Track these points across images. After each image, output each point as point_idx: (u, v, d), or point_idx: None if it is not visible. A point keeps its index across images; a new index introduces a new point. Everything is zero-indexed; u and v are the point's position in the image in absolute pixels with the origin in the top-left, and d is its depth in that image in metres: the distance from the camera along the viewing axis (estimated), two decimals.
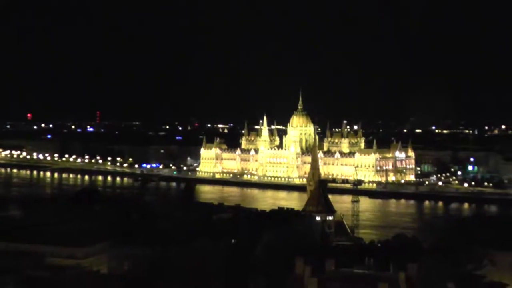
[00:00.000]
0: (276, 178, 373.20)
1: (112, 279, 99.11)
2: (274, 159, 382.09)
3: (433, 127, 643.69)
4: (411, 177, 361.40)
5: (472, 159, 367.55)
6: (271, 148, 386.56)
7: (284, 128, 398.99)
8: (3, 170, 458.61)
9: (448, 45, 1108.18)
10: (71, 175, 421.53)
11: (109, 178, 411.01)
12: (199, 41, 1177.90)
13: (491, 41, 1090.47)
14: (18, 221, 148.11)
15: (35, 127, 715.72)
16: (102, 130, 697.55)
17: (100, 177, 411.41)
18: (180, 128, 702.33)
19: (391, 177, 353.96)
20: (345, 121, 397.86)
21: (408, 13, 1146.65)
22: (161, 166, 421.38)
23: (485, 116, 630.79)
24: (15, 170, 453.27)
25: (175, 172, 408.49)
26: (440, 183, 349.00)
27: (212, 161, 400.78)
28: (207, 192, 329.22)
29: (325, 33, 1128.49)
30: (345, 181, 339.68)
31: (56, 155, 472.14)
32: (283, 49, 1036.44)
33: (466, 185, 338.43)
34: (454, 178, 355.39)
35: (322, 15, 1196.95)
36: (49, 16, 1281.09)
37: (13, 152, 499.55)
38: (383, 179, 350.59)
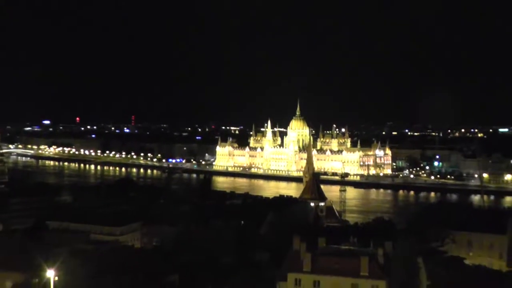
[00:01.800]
0: (278, 171, 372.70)
1: (144, 252, 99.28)
2: (276, 156, 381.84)
3: (406, 130, 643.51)
4: (388, 171, 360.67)
5: (437, 157, 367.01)
6: (274, 147, 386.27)
7: (284, 130, 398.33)
8: (56, 163, 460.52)
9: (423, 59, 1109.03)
10: (111, 168, 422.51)
11: (141, 170, 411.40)
12: (219, 60, 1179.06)
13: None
14: (69, 205, 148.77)
15: (82, 128, 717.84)
16: (136, 131, 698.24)
17: (134, 169, 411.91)
18: (199, 129, 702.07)
19: (372, 171, 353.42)
20: (334, 125, 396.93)
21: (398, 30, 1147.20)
22: (184, 161, 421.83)
23: (448, 121, 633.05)
24: (66, 163, 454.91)
25: (195, 166, 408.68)
26: (411, 176, 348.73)
27: (225, 157, 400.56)
28: (221, 182, 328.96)
29: (321, 51, 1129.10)
30: (334, 174, 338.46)
31: (99, 151, 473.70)
32: (284, 64, 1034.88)
33: (432, 177, 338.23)
34: (423, 172, 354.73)
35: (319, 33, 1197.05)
36: (93, 31, 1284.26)
37: (65, 148, 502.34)
38: (365, 172, 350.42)
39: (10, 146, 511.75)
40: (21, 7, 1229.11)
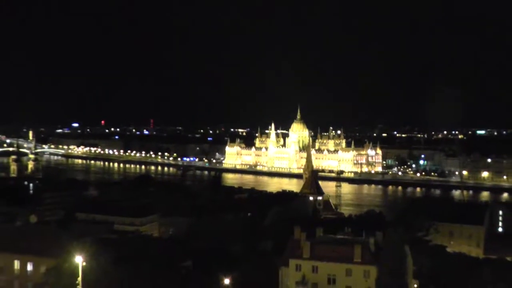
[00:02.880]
0: (280, 169, 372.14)
1: (161, 241, 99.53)
2: (279, 155, 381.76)
3: (395, 132, 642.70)
4: (379, 169, 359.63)
5: (423, 156, 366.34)
6: (277, 147, 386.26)
7: (286, 132, 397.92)
8: (84, 161, 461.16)
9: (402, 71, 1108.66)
10: (132, 166, 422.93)
11: (159, 168, 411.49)
12: (228, 70, 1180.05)
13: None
14: (95, 198, 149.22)
15: (106, 130, 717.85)
16: (154, 133, 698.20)
17: (153, 167, 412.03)
18: (211, 131, 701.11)
19: (364, 168, 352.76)
20: (331, 127, 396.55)
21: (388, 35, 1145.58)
22: (197, 159, 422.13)
23: (432, 124, 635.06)
24: (92, 162, 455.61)
25: (207, 164, 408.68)
26: (399, 173, 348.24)
27: (234, 155, 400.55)
28: (230, 179, 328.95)
29: (317, 65, 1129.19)
30: (331, 171, 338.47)
31: (121, 151, 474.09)
32: (286, 75, 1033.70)
33: (418, 174, 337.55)
34: (410, 169, 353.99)
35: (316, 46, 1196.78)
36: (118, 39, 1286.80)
37: (91, 148, 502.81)
38: (358, 170, 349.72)
39: (44, 146, 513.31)
40: (52, 11, 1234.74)
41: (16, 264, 79.39)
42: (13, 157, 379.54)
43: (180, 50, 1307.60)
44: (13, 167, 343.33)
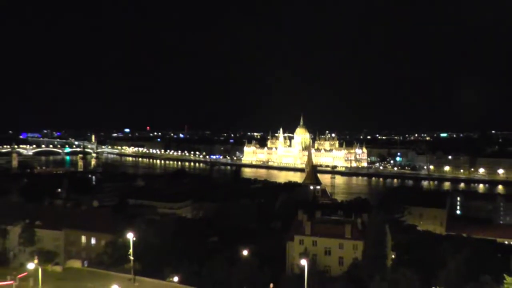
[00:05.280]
0: (287, 164, 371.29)
1: (194, 221, 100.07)
2: (286, 153, 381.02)
3: (377, 135, 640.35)
4: (364, 164, 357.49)
5: (399, 154, 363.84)
6: (285, 147, 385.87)
7: (292, 135, 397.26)
8: (134, 159, 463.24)
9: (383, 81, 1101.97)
10: (171, 162, 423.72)
11: (192, 164, 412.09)
12: (246, 86, 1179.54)
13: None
14: (142, 187, 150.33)
15: (151, 134, 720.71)
16: (188, 136, 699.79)
17: (187, 163, 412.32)
18: (232, 135, 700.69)
19: (353, 164, 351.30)
20: (327, 131, 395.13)
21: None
22: (221, 157, 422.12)
23: (406, 128, 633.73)
24: (140, 159, 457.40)
25: (229, 160, 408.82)
26: (381, 167, 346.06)
27: (250, 154, 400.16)
28: (247, 172, 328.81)
29: (316, 77, 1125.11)
30: (327, 166, 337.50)
31: (162, 150, 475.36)
32: (290, 89, 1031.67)
33: (395, 169, 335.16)
34: (388, 164, 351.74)
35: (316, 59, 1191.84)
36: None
37: (139, 148, 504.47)
38: (348, 165, 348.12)
39: (103, 147, 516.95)
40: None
41: (83, 238, 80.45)
42: (80, 155, 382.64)
43: (206, 71, 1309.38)
44: (80, 163, 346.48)
